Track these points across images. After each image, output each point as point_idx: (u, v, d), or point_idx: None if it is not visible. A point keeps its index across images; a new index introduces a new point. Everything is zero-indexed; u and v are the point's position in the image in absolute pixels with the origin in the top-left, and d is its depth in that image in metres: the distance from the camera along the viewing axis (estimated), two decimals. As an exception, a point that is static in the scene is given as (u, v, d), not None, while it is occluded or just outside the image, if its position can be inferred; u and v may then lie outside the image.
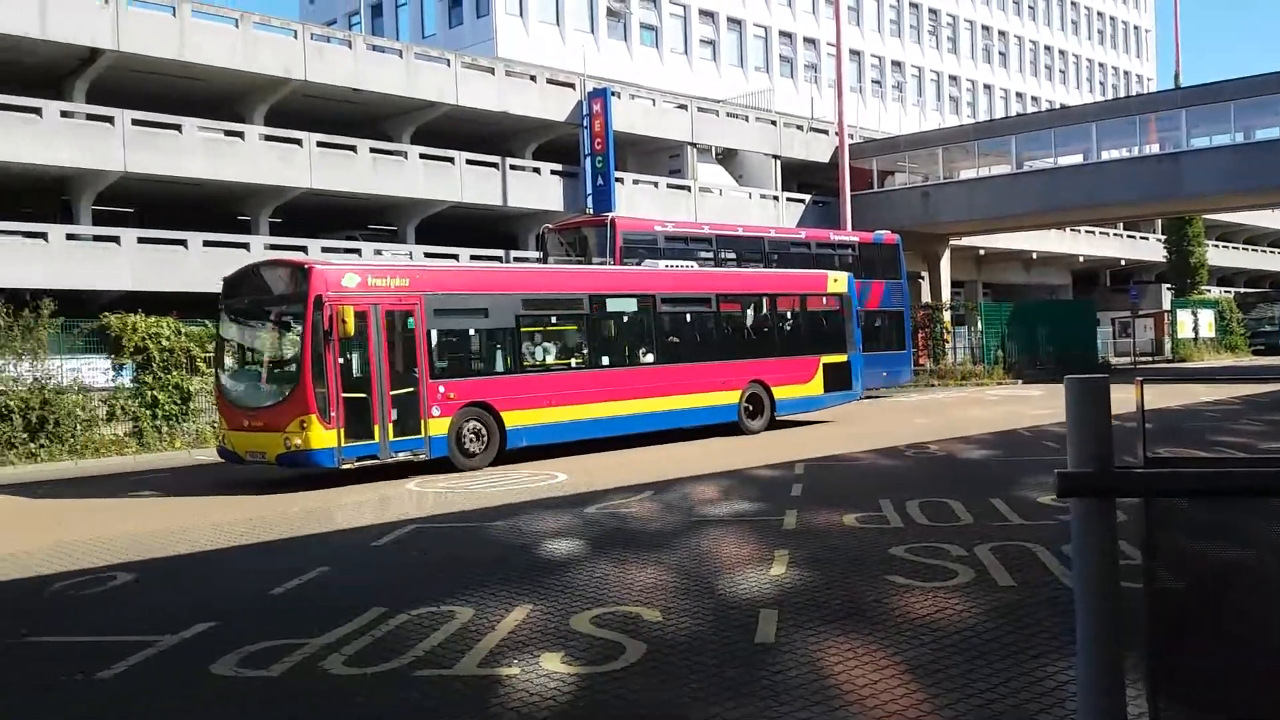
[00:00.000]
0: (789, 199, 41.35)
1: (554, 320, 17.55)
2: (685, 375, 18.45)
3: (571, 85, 36.14)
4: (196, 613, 7.26)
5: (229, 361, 15.51)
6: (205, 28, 28.33)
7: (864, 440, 17.46)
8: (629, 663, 5.80)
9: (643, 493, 12.33)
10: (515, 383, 16.16)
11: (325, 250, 28.42)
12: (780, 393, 19.77)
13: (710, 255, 25.78)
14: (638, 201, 35.43)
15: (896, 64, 60.63)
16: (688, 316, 19.51)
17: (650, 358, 18.35)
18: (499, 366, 16.43)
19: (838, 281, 21.59)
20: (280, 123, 30.43)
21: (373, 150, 31.30)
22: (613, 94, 35.86)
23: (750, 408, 19.35)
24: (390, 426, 14.33)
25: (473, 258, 30.48)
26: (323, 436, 13.58)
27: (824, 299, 21.38)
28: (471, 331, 16.47)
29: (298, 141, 29.64)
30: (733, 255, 25.88)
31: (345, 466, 13.88)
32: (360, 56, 31.41)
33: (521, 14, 43.42)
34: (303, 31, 30.61)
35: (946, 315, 38.13)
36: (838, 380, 20.85)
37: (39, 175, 26.75)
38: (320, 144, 30.04)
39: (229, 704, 5.45)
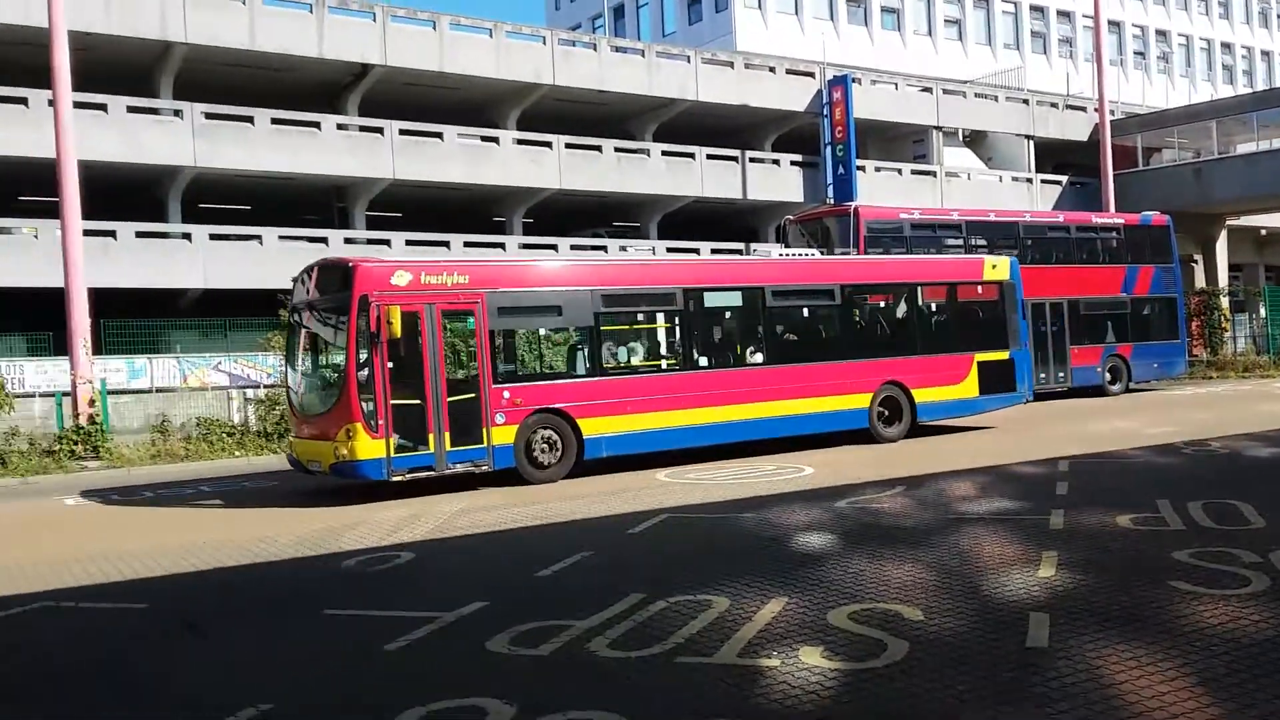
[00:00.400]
0: (1043, 181, 39.29)
1: (641, 317, 16.36)
2: (801, 376, 16.35)
3: (811, 74, 35.77)
4: (470, 592, 7.69)
5: (292, 365, 14.81)
6: (463, 39, 29.94)
7: (1127, 438, 16.37)
8: (891, 660, 5.69)
9: (894, 488, 12.06)
10: (594, 387, 14.70)
11: (573, 248, 29.48)
12: (923, 395, 17.38)
13: (959, 243, 24.88)
14: (880, 189, 34.63)
15: (1161, 33, 56.34)
16: (805, 310, 17.76)
17: (759, 357, 16.45)
18: (575, 369, 15.32)
19: (997, 267, 18.87)
20: (530, 126, 31.76)
21: (617, 149, 32.14)
22: (853, 80, 35.22)
23: (885, 412, 17.10)
24: (447, 436, 13.27)
25: (713, 251, 30.74)
26: (369, 446, 12.74)
27: (979, 288, 18.78)
28: (542, 331, 15.73)
29: (548, 144, 30.85)
30: (983, 242, 24.83)
31: (396, 479, 12.97)
32: (604, 58, 32.30)
33: (760, 6, 43.32)
34: (551, 37, 31.80)
35: (1224, 301, 35.16)
36: (997, 380, 18.17)
37: (319, 184, 29.12)
38: (568, 145, 31.15)
39: (505, 679, 5.74)
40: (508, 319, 14.39)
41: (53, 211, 18.75)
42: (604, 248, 29.30)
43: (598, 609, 6.95)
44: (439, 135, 29.35)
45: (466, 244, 28.83)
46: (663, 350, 16.54)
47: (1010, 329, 18.66)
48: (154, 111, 26.10)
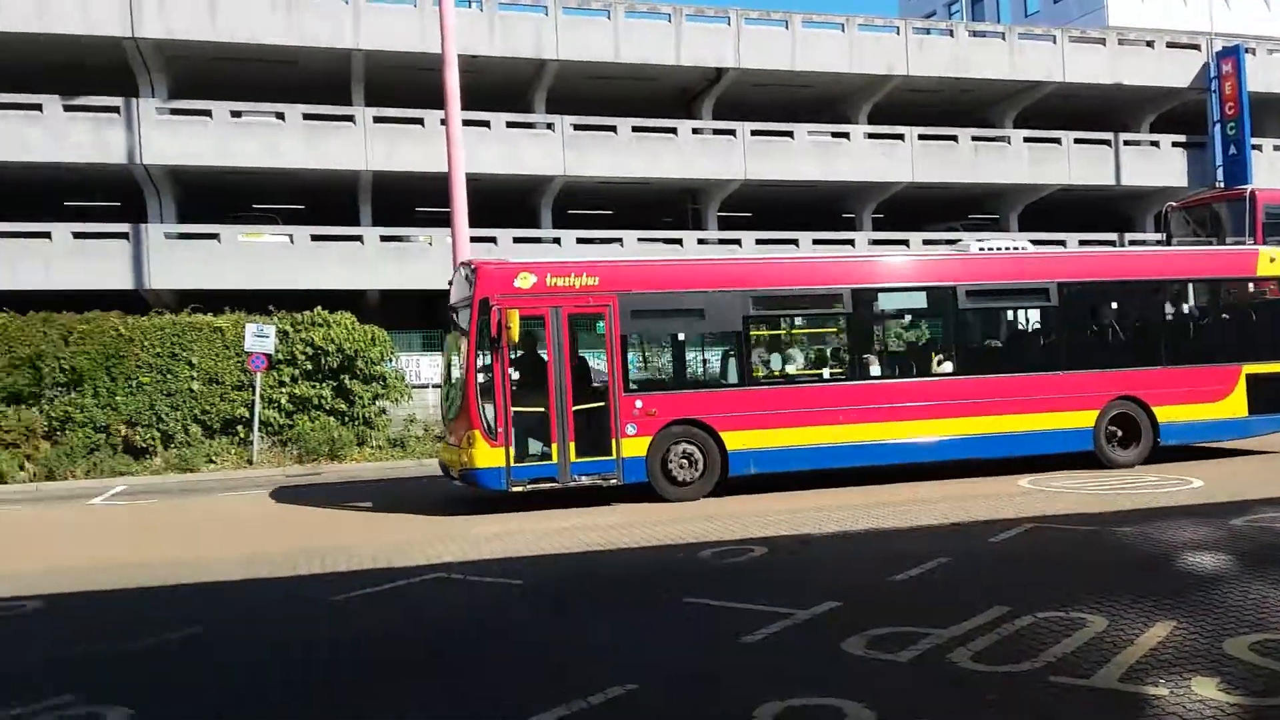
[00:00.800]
0: None
1: (800, 321, 14.98)
2: (1001, 389, 14.24)
3: (1195, 46, 32.48)
4: (823, 591, 7.64)
5: (446, 369, 14.58)
6: (814, 36, 29.90)
7: None
8: (1308, 702, 5.02)
9: (1303, 506, 10.66)
10: (741, 397, 13.56)
11: (925, 243, 28.60)
12: (1168, 413, 14.61)
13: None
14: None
15: None
16: (1008, 314, 15.85)
17: (947, 367, 14.48)
18: (719, 377, 14.39)
19: (1278, 260, 15.52)
20: (881, 120, 31.17)
21: (974, 138, 30.86)
22: (1246, 51, 31.57)
23: (1119, 432, 14.58)
24: (572, 446, 12.66)
25: (1081, 243, 28.69)
26: (488, 454, 12.38)
27: (1252, 285, 15.71)
28: (681, 336, 14.40)
29: (899, 136, 30.16)
30: None
31: (515, 489, 12.56)
32: (961, 44, 31.05)
33: (1137, -24, 39.89)
34: (905, 27, 31.02)
35: None
36: (1272, 398, 15.00)
37: (674, 187, 30.21)
38: (921, 137, 30.28)
39: (862, 682, 5.65)
40: (642, 322, 13.57)
41: (444, 221, 20.76)
42: (957, 241, 28.17)
43: (958, 618, 6.68)
44: (789, 134, 29.52)
45: (815, 241, 28.79)
46: (826, 358, 14.92)
47: None
48: (530, 126, 28.21)
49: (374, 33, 26.43)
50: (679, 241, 28.31)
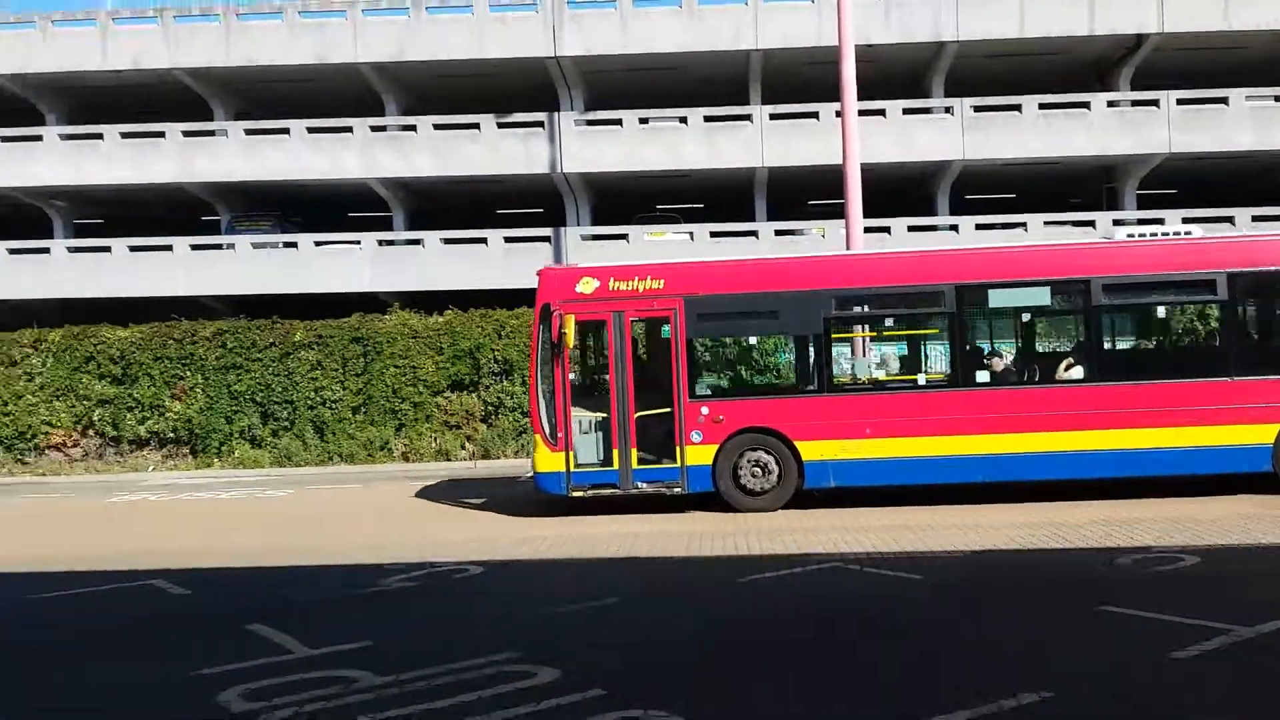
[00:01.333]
0: None
1: (891, 321, 13.57)
2: (1144, 398, 12.07)
3: None
4: (1271, 607, 6.81)
5: None
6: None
7: None
8: None
9: None
10: (818, 404, 12.46)
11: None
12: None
13: None
14: None
15: None
16: (1156, 311, 13.61)
17: (1076, 372, 12.44)
18: (795, 383, 13.53)
19: None
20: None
21: None
22: None
23: None
24: (634, 453, 12.28)
25: None
26: (548, 459, 12.36)
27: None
28: (753, 340, 13.59)
29: (1363, 95, 26.08)
30: None
31: (575, 494, 12.34)
32: None
33: None
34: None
35: None
36: None
37: (1085, 166, 28.13)
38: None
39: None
40: (711, 325, 13.10)
41: (837, 213, 20.76)
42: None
43: None
44: (1224, 101, 26.46)
45: (1254, 218, 25.59)
46: (921, 362, 13.51)
47: None
48: (926, 111, 27.46)
49: (772, 32, 26.94)
50: (1090, 224, 26.32)
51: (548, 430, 12.55)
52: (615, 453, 12.46)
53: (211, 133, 28.08)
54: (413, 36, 27.30)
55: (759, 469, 12.45)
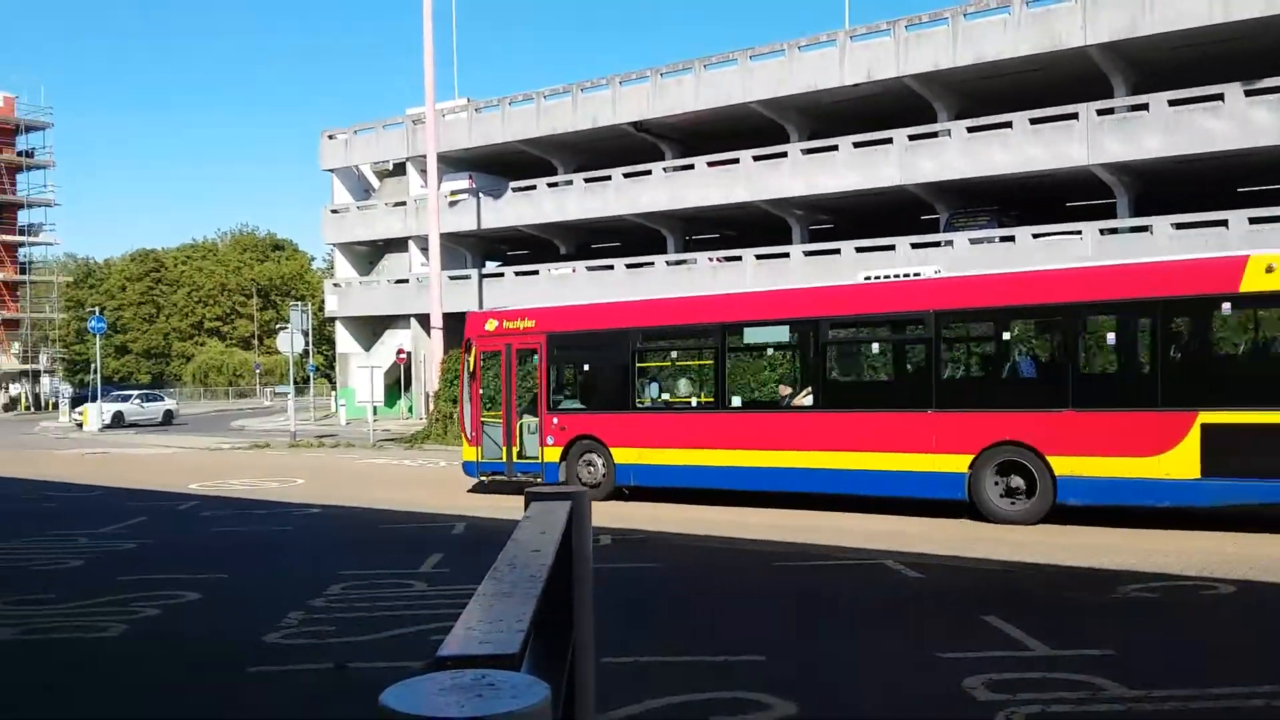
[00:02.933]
0: None
1: (676, 355, 16.48)
2: (861, 426, 13.52)
3: None
4: None
5: None
6: None
7: None
8: None
9: None
10: (626, 420, 15.58)
11: None
12: (1073, 466, 11.85)
13: None
14: None
15: None
16: (874, 346, 14.77)
17: (808, 400, 14.14)
18: (613, 402, 15.88)
19: (1274, 270, 10.84)
20: None
21: None
22: None
23: (1007, 481, 12.25)
24: (514, 450, 16.35)
25: None
26: (468, 452, 17.05)
27: (1225, 305, 11.40)
28: (587, 367, 16.77)
29: None
30: None
31: (482, 479, 17.06)
32: None
33: None
34: None
35: None
36: (1245, 456, 10.87)
37: None
38: None
39: None
40: (562, 355, 16.53)
41: None
42: None
43: None
44: None
45: None
46: (697, 388, 15.84)
47: None
48: None
49: None
50: None
51: (468, 431, 16.97)
52: (504, 449, 16.51)
53: (934, 134, 29.03)
54: (1146, 10, 25.46)
55: (591, 468, 15.79)
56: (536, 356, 16.29)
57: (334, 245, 45.30)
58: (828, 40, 30.47)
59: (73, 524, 14.17)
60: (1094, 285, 12.40)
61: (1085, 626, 7.44)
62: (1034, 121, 27.11)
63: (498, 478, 16.71)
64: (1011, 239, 27.35)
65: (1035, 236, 27.00)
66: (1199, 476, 11.26)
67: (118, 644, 7.57)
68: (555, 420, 15.97)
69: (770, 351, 16.71)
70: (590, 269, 35.35)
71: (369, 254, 44.44)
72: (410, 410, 40.31)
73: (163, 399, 51.23)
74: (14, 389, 65.51)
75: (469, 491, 17.12)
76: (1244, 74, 24.78)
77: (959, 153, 28.20)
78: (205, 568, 10.66)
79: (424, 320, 35.69)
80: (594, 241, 40.41)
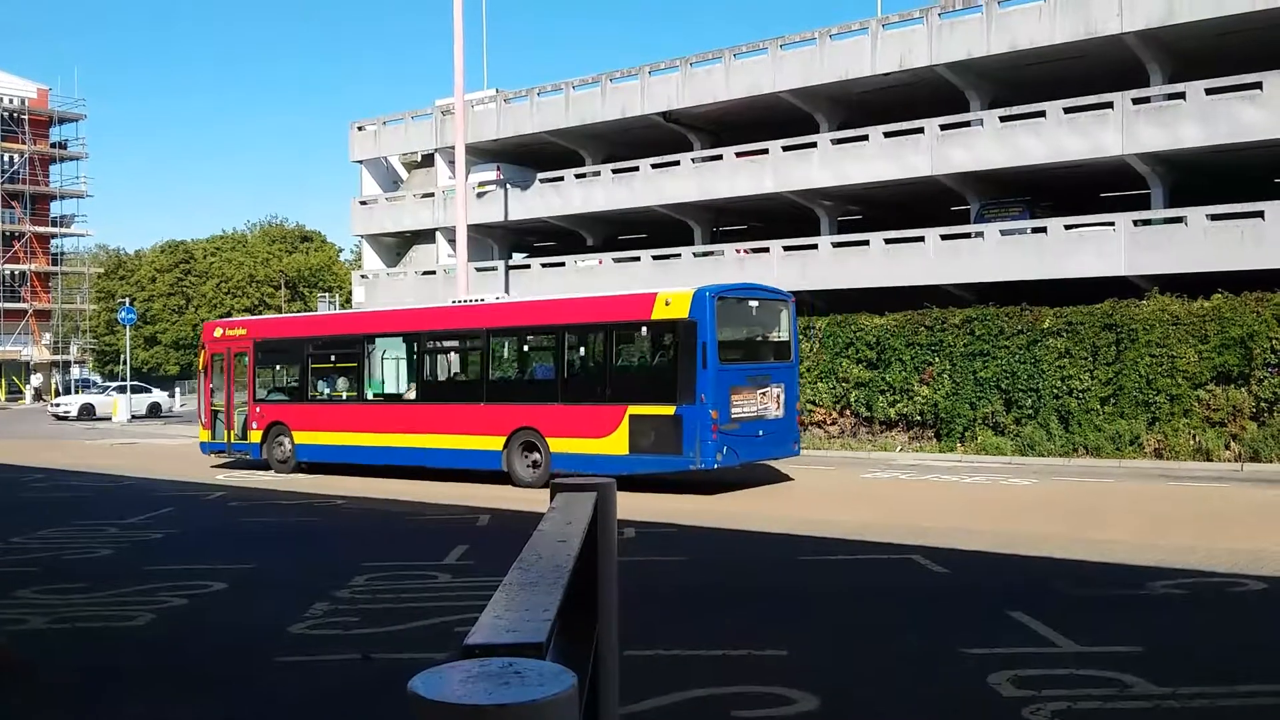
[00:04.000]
0: None
1: (334, 358, 20.36)
2: (443, 415, 17.88)
3: None
4: None
5: None
6: None
7: None
8: None
9: None
10: (302, 410, 20.01)
11: None
12: (559, 445, 16.40)
13: None
14: None
15: None
16: (453, 355, 19.43)
17: (412, 395, 18.81)
18: (292, 396, 20.53)
19: (671, 304, 15.27)
20: None
21: None
22: None
23: (529, 458, 16.82)
24: (231, 433, 20.61)
25: None
26: (203, 434, 21.41)
27: (644, 329, 16.13)
28: (278, 367, 21.33)
29: None
30: None
31: (212, 454, 21.52)
32: None
33: None
34: None
35: None
36: (654, 439, 15.22)
37: None
38: None
39: None
40: (265, 357, 20.95)
41: None
42: None
43: None
44: None
45: None
46: (347, 385, 19.89)
47: (681, 379, 14.95)
48: None
49: None
50: None
51: (202, 418, 21.27)
52: (226, 432, 20.65)
53: (967, 123, 28.78)
54: (1184, -4, 25.13)
55: (281, 448, 19.97)
56: (247, 358, 20.68)
57: (362, 237, 45.54)
58: (859, 29, 30.23)
59: (102, 514, 14.34)
60: (573, 311, 17.04)
61: (1112, 623, 7.38)
62: (1068, 110, 26.80)
63: (222, 455, 21.27)
64: (1044, 230, 27.11)
65: (1068, 228, 26.75)
66: (627, 453, 15.54)
67: (145, 633, 7.66)
68: (259, 409, 20.47)
69: (395, 357, 20.07)
70: (617, 260, 35.34)
71: (396, 245, 44.66)
72: (437, 400, 40.49)
73: (151, 390, 48.96)
74: (35, 379, 65.81)
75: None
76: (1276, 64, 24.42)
77: (991, 142, 27.93)
78: (232, 558, 10.77)
79: (451, 311, 35.83)
80: (621, 233, 40.39)
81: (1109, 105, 26.68)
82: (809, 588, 9.08)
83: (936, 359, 22.90)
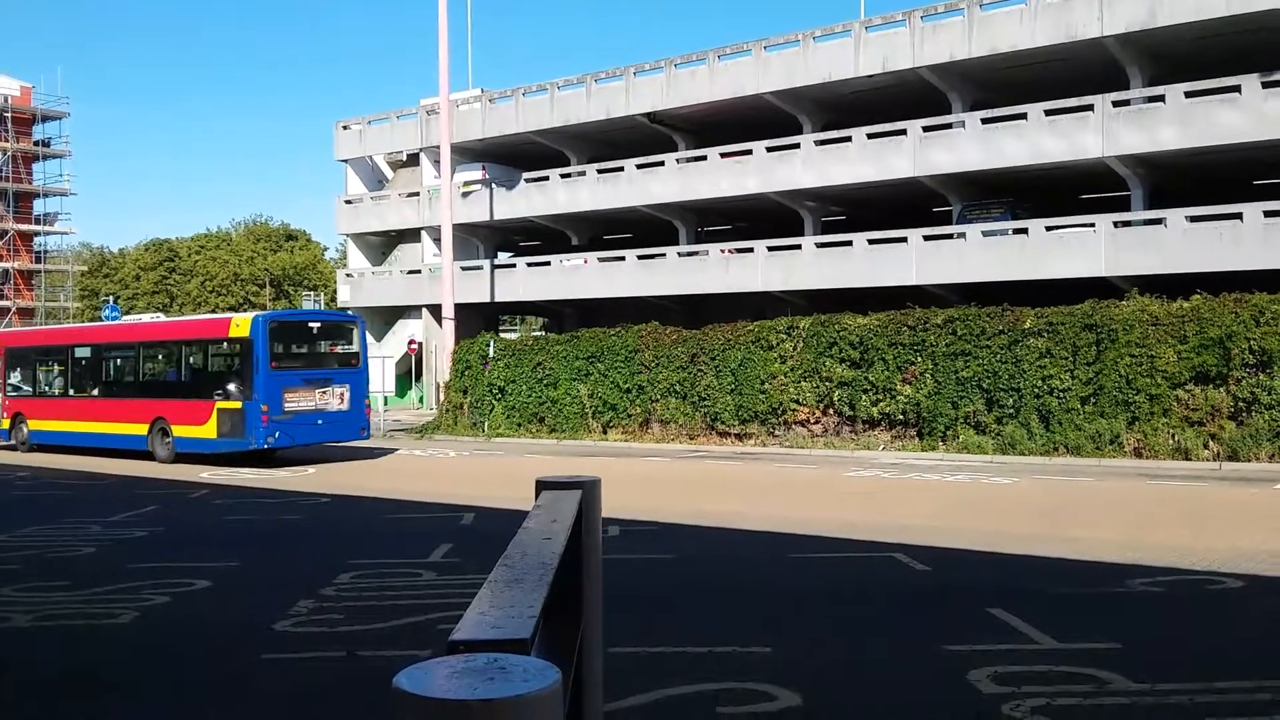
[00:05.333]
0: None
1: (52, 364, 25.83)
2: (113, 408, 23.04)
3: None
4: None
5: None
6: None
7: None
8: None
9: None
10: (32, 403, 25.58)
11: None
12: (179, 431, 21.67)
13: None
14: None
15: None
16: (119, 361, 24.47)
17: (95, 392, 24.08)
18: (27, 392, 26.04)
19: (240, 326, 21.31)
20: None
21: None
22: None
23: (164, 439, 21.87)
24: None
25: None
26: None
27: (225, 344, 21.96)
28: (19, 369, 26.36)
29: None
30: None
31: None
32: None
33: None
34: None
35: None
36: (231, 426, 20.70)
37: None
38: None
39: None
40: (12, 361, 26.43)
41: None
42: None
43: None
44: None
45: None
46: (62, 383, 25.49)
47: (245, 381, 20.58)
48: None
49: None
50: None
51: None
52: None
53: (949, 125, 28.92)
54: (1166, 0, 25.31)
55: (20, 433, 25.35)
56: (1, 363, 26.39)
57: (347, 235, 45.38)
58: (843, 31, 30.36)
59: (86, 512, 14.28)
60: (184, 330, 24.51)
61: (1092, 620, 7.46)
62: (1049, 113, 27.00)
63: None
64: (1025, 231, 27.28)
65: (1049, 229, 26.93)
66: (215, 436, 20.88)
67: (129, 631, 7.65)
68: (6, 402, 25.97)
69: (85, 363, 24.89)
70: (602, 260, 35.36)
71: (382, 244, 44.52)
72: (421, 400, 40.41)
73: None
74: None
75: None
76: (1262, 66, 24.62)
77: (973, 144, 28.10)
78: (216, 556, 10.75)
79: (436, 311, 35.75)
80: (606, 233, 40.40)
81: (1089, 108, 26.88)
82: (793, 585, 9.14)
83: (919, 359, 22.99)
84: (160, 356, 23.61)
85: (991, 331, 22.08)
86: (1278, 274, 21.48)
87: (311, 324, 23.16)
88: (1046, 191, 30.02)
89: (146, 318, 29.33)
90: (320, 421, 21.03)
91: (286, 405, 20.45)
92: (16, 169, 65.31)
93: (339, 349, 22.41)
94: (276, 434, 20.31)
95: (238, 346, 21.00)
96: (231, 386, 20.81)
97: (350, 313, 26.76)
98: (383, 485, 17.01)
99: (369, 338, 43.02)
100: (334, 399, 21.31)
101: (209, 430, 20.91)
